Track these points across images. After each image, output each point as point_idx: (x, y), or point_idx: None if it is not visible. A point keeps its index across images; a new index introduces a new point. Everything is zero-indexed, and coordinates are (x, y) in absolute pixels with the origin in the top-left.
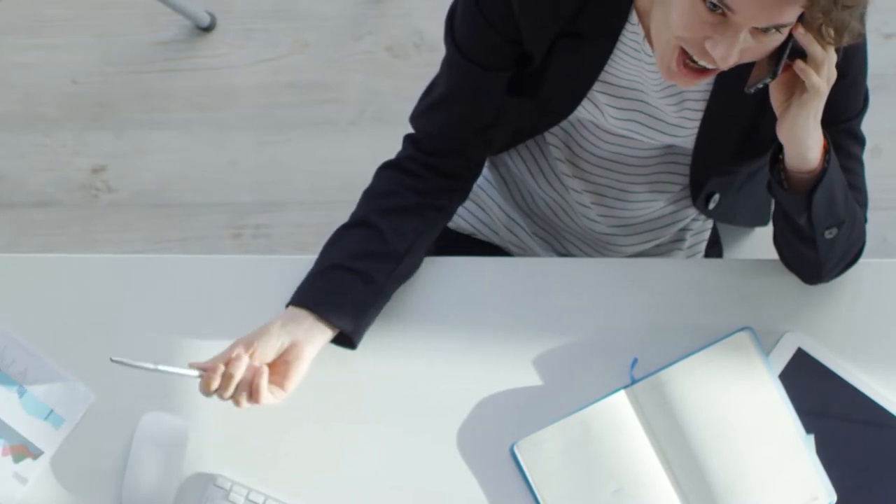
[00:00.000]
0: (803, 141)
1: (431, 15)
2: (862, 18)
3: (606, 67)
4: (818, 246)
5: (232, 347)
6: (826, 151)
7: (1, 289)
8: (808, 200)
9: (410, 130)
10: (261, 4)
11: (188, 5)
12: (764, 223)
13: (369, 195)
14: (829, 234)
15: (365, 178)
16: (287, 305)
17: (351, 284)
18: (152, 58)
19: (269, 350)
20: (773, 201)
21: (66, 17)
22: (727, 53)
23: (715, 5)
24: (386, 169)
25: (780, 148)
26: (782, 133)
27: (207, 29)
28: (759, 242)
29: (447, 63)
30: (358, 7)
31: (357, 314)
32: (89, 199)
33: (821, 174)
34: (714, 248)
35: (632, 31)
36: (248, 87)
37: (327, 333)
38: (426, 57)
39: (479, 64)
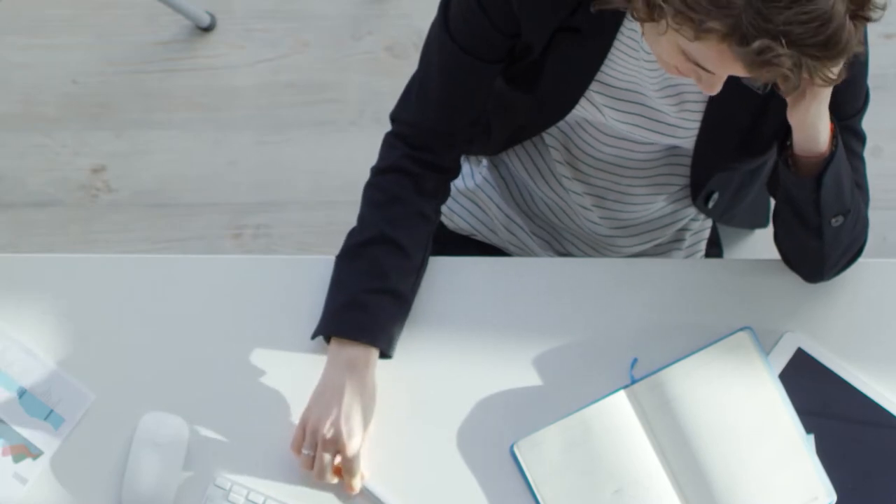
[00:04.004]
0: (815, 125)
1: (431, 15)
2: (863, 34)
3: (604, 67)
4: (824, 235)
5: (355, 441)
6: (834, 136)
7: (1, 289)
8: (818, 183)
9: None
10: (261, 4)
11: (188, 5)
12: (763, 225)
13: (375, 204)
14: (835, 222)
15: (365, 179)
16: (340, 336)
17: (391, 308)
18: (152, 58)
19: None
20: (771, 201)
21: (66, 17)
22: (712, 90)
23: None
24: (384, 173)
25: (786, 135)
26: (795, 119)
27: (207, 29)
28: (760, 242)
29: (438, 51)
30: (358, 7)
31: (399, 335)
32: (89, 199)
33: (830, 156)
34: (714, 248)
35: (629, 28)
36: (248, 87)
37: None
38: None
39: (472, 54)
